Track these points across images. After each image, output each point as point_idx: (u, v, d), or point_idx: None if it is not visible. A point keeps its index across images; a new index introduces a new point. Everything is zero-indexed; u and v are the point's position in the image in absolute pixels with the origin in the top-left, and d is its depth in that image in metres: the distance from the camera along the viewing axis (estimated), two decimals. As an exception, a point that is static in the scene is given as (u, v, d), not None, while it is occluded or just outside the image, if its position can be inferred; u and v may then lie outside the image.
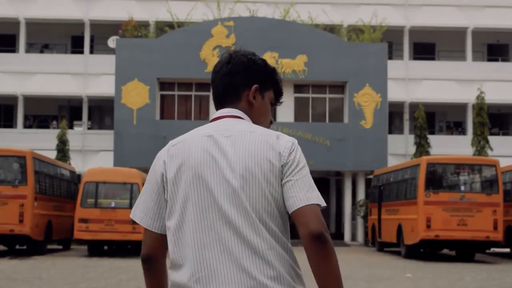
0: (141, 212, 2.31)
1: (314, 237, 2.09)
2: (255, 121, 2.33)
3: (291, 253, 2.20)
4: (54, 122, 33.58)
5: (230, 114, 2.31)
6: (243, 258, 2.12)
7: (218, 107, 2.37)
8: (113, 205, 20.08)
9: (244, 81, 2.34)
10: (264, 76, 2.38)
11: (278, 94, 2.43)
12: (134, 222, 19.67)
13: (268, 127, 2.39)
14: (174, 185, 2.22)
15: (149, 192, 2.29)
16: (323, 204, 2.19)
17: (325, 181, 33.43)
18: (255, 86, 2.34)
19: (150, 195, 2.29)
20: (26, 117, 33.69)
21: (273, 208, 2.17)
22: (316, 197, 2.17)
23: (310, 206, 2.14)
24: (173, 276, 2.20)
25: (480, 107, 28.11)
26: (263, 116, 2.37)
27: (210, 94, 31.07)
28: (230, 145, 2.20)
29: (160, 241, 2.29)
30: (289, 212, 2.17)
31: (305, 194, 2.15)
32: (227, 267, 2.12)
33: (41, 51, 34.94)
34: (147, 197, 2.30)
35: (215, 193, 2.17)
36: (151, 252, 2.30)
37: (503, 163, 22.40)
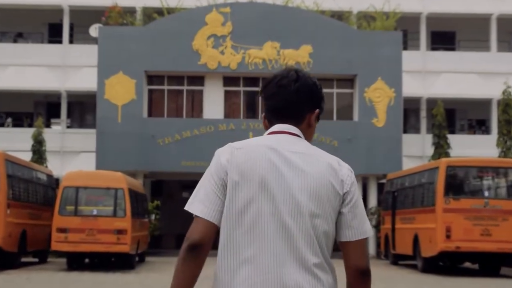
0: (201, 203, 2.59)
1: (363, 272, 2.58)
2: (308, 140, 2.74)
3: (334, 272, 2.60)
4: (9, 120, 33.42)
5: (290, 131, 2.68)
6: (294, 270, 2.49)
7: (275, 121, 2.72)
8: (95, 213, 20.07)
9: (309, 104, 2.73)
10: (321, 101, 2.80)
11: (320, 115, 2.83)
12: (118, 232, 19.69)
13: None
14: (235, 187, 2.55)
15: (211, 186, 2.60)
16: (372, 234, 2.67)
17: (333, 186, 33.37)
18: (317, 111, 2.76)
19: (212, 189, 2.60)
20: (-3, 115, 33.67)
21: (330, 229, 2.57)
22: (369, 230, 2.63)
23: (364, 240, 2.61)
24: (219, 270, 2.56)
25: (506, 103, 28.11)
26: (312, 136, 2.80)
27: (204, 88, 31.18)
28: (298, 162, 2.58)
29: (213, 230, 2.58)
30: (342, 240, 2.60)
31: (362, 227, 2.61)
32: (277, 275, 2.48)
33: (15, 41, 34.91)
34: (209, 190, 2.60)
35: (279, 204, 2.52)
36: (203, 239, 2.55)
37: (532, 165, 22.36)
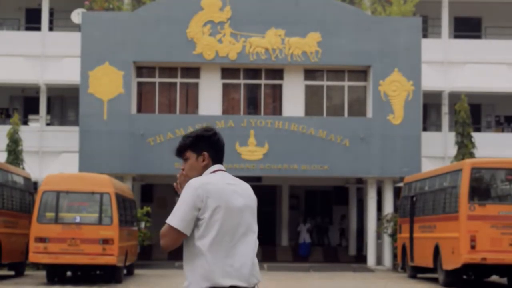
0: (179, 220, 4.44)
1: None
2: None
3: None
4: None
5: (223, 169, 4.70)
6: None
7: (217, 161, 4.71)
8: (78, 220, 20.11)
9: None
10: None
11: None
12: (104, 242, 19.71)
13: None
14: (212, 214, 4.46)
15: (190, 208, 4.46)
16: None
17: (344, 190, 33.42)
18: None
19: (191, 211, 4.46)
20: (-31, 111, 33.72)
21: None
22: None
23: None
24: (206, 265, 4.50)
25: (538, 98, 28.12)
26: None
27: (199, 81, 31.17)
28: (239, 190, 4.62)
29: (181, 240, 4.49)
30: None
31: None
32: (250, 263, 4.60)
33: (-12, 28, 34.95)
34: (187, 211, 4.46)
35: (238, 217, 4.58)
36: (171, 245, 4.49)
37: None
